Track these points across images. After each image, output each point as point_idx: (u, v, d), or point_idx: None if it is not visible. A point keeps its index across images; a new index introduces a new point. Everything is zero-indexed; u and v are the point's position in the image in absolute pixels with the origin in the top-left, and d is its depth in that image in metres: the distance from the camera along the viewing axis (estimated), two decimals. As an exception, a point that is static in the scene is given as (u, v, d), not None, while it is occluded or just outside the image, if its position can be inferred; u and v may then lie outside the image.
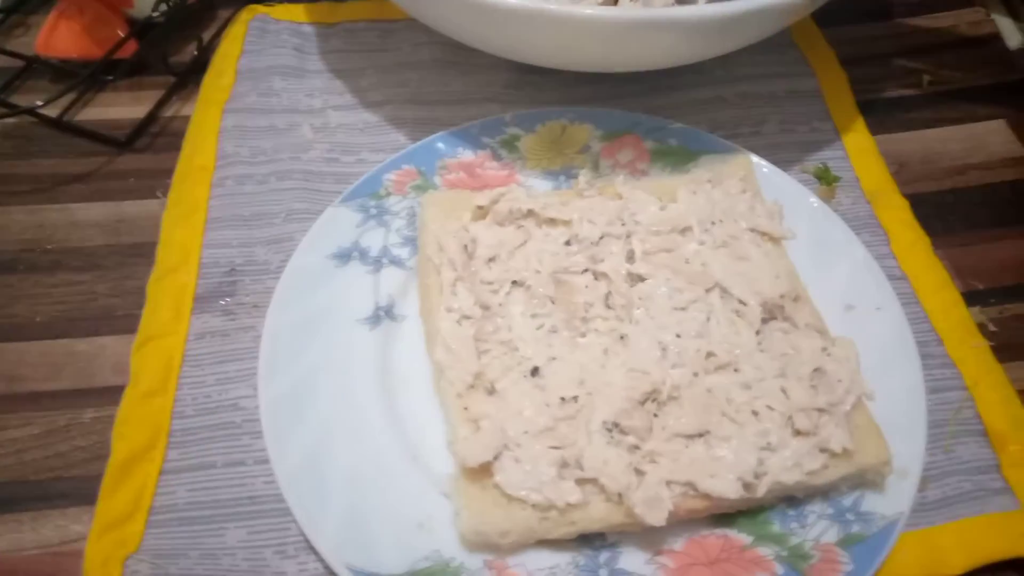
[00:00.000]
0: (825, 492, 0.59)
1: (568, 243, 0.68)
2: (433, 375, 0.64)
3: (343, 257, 0.71)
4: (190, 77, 0.89)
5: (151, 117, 0.86)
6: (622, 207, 0.69)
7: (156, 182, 0.80)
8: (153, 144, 0.85)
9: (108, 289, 0.73)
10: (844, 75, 0.90)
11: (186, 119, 0.85)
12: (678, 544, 0.57)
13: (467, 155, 0.78)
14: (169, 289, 0.71)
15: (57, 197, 0.80)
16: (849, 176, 0.81)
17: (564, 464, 0.56)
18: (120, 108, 0.87)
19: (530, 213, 0.69)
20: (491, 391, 0.60)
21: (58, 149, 0.84)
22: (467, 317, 0.64)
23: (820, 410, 0.58)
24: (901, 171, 0.83)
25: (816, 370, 0.60)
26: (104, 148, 0.84)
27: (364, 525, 0.57)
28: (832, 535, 0.57)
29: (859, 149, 0.83)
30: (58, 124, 0.84)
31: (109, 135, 0.84)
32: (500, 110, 0.83)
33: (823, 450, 0.57)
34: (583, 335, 0.63)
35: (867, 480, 0.58)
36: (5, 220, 0.78)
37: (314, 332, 0.66)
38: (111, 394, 0.65)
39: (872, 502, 0.58)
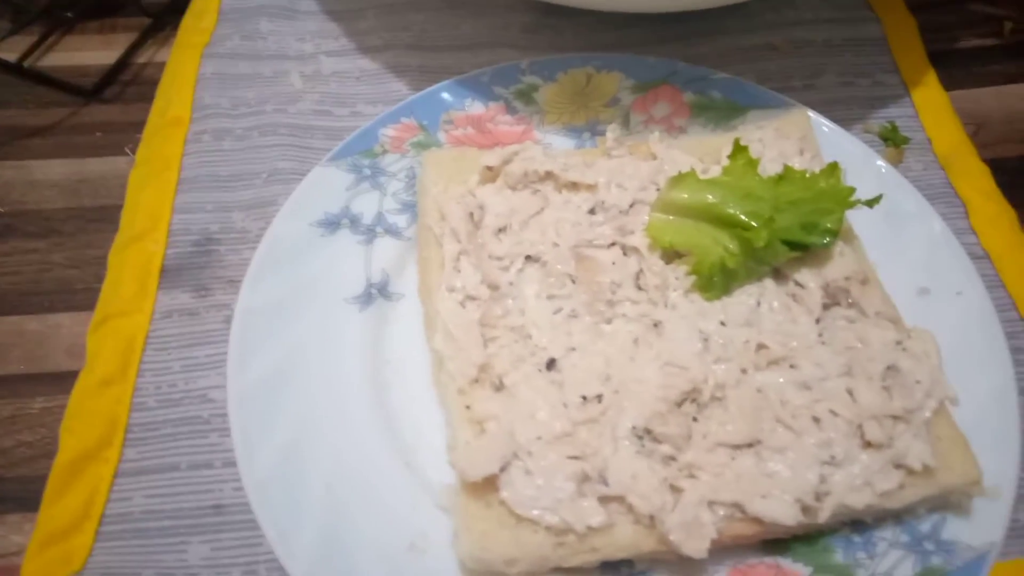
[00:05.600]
0: (898, 515, 0.49)
1: (592, 211, 0.58)
2: (432, 366, 0.55)
3: (331, 225, 0.61)
4: (167, 18, 0.80)
5: (122, 63, 0.77)
6: (657, 169, 0.59)
7: (125, 137, 0.72)
8: (123, 94, 0.76)
9: (66, 259, 0.64)
10: (913, 21, 0.79)
11: (161, 66, 0.76)
12: (720, 574, 0.48)
13: (476, 107, 0.68)
14: (133, 259, 0.62)
15: (13, 152, 0.71)
16: (919, 137, 0.70)
17: (585, 478, 0.47)
18: (88, 53, 0.78)
19: (548, 175, 0.59)
20: (499, 387, 0.51)
21: (16, 98, 0.75)
22: (472, 298, 0.55)
23: (895, 417, 0.49)
24: (979, 132, 0.72)
25: (889, 368, 0.51)
26: (68, 98, 0.75)
27: (345, 544, 0.48)
28: (907, 568, 0.47)
29: (931, 106, 0.72)
30: (17, 70, 0.75)
31: (74, 83, 0.75)
32: (516, 57, 0.73)
33: (899, 466, 0.48)
34: (608, 321, 0.54)
35: (950, 502, 0.49)
36: (-47, 178, 0.69)
37: (295, 312, 0.57)
38: (65, 381, 0.57)
39: (956, 528, 0.49)
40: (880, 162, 0.63)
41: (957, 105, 0.72)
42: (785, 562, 0.48)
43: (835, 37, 0.77)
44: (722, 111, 0.67)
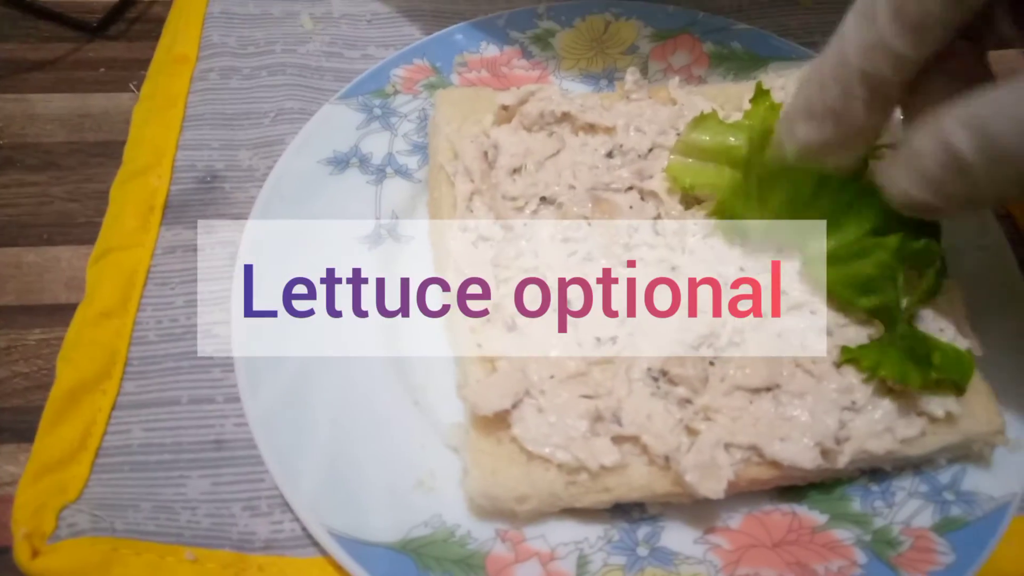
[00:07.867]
0: (917, 464, 0.48)
1: (610, 154, 0.57)
2: (442, 305, 0.53)
3: (340, 163, 0.60)
4: (175, -44, 0.78)
5: (127, 1, 0.75)
6: (676, 114, 0.58)
7: (130, 74, 0.70)
8: (128, 31, 0.74)
9: (66, 192, 0.63)
10: (936, -21, 0.77)
11: (167, 5, 0.74)
12: (734, 520, 0.47)
13: (491, 51, 0.66)
14: (136, 194, 0.61)
15: (12, 86, 0.69)
16: (942, 96, 0.68)
17: (598, 417, 0.46)
18: (92, -10, 0.76)
19: (565, 117, 0.58)
20: (511, 327, 0.50)
21: (18, 32, 0.73)
22: (485, 238, 0.53)
23: (918, 365, 0.47)
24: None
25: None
26: (72, 33, 0.73)
27: (351, 480, 0.47)
28: (926, 518, 0.46)
29: (955, 66, 0.70)
30: (19, 4, 0.73)
31: (79, 19, 0.73)
32: (530, 4, 0.71)
33: (921, 413, 0.46)
34: (624, 265, 0.52)
35: (972, 452, 0.48)
36: (-48, 110, 0.67)
37: (303, 248, 0.55)
38: (62, 313, 0.56)
39: (976, 479, 0.48)
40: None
41: (980, 66, 0.71)
42: (801, 509, 0.47)
43: (858, -7, 0.76)
44: (742, 62, 0.66)
